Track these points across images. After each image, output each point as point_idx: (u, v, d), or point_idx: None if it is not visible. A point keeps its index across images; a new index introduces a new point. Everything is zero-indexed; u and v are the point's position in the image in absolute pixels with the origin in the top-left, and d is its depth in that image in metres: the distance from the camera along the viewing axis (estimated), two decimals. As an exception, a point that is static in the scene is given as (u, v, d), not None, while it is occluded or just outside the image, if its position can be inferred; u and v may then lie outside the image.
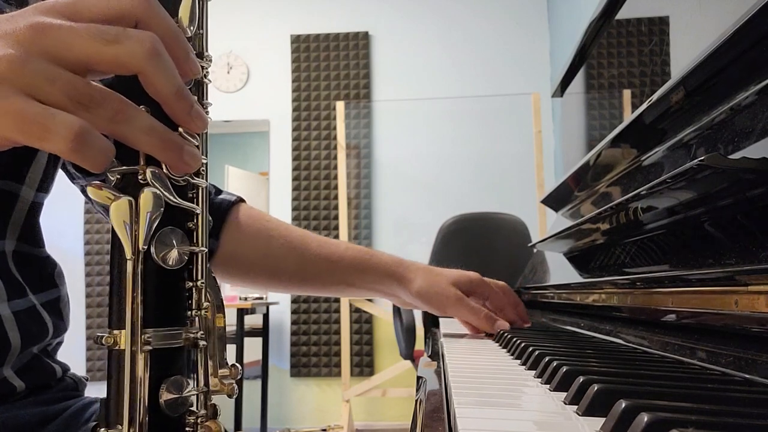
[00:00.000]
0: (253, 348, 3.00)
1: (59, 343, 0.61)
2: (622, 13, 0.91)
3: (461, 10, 3.35)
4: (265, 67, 3.44)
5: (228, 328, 2.84)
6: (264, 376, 3.01)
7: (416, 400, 0.43)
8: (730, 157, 0.40)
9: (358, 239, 3.20)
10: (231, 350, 2.77)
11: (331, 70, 3.37)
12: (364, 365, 3.12)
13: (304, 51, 3.39)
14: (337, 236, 3.09)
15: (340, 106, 2.96)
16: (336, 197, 3.11)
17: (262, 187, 3.55)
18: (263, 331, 3.03)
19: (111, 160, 0.30)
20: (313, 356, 3.19)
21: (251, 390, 3.00)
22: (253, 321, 3.03)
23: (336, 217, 3.13)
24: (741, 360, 0.38)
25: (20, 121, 0.28)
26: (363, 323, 3.15)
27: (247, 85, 3.45)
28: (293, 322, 3.21)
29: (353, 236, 3.18)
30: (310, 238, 0.77)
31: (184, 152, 0.31)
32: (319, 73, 3.37)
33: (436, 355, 0.62)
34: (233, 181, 3.74)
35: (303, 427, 3.11)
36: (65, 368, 0.60)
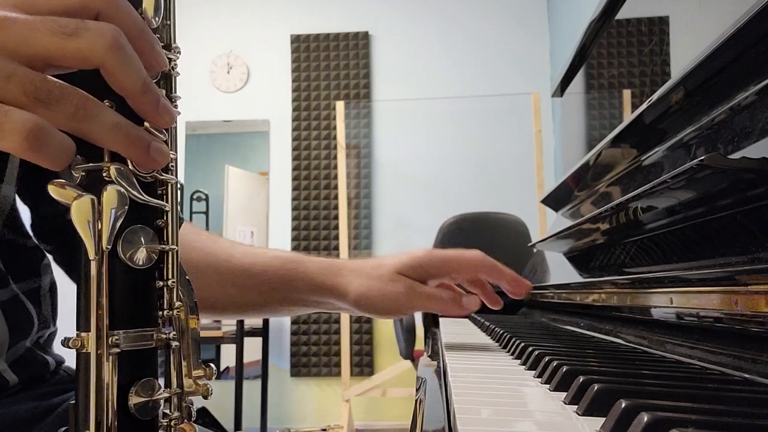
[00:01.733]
0: (253, 348, 3.00)
1: (52, 334, 0.60)
2: (622, 13, 0.91)
3: (461, 10, 3.35)
4: (265, 67, 3.44)
5: (228, 329, 2.84)
6: (264, 376, 3.01)
7: (416, 400, 0.43)
8: (730, 157, 0.40)
9: (358, 239, 3.20)
10: (231, 350, 2.77)
11: (331, 70, 3.37)
12: (364, 365, 3.12)
13: (304, 51, 3.39)
14: (336, 236, 3.09)
15: (340, 106, 2.96)
16: (336, 197, 3.11)
17: (262, 187, 3.55)
18: (263, 331, 3.03)
19: (71, 158, 0.29)
20: (313, 356, 3.19)
21: (251, 390, 3.00)
22: (252, 321, 3.03)
23: (336, 217, 3.13)
24: (741, 360, 0.38)
25: None
26: (363, 323, 3.15)
27: (247, 85, 3.45)
28: (293, 322, 3.21)
29: (353, 236, 3.18)
30: (236, 249, 0.67)
31: (150, 148, 0.30)
32: (319, 73, 3.37)
33: (436, 354, 0.62)
34: (233, 181, 3.74)
35: (303, 427, 3.11)
36: (59, 360, 0.60)
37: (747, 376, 0.36)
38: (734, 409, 0.27)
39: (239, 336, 2.74)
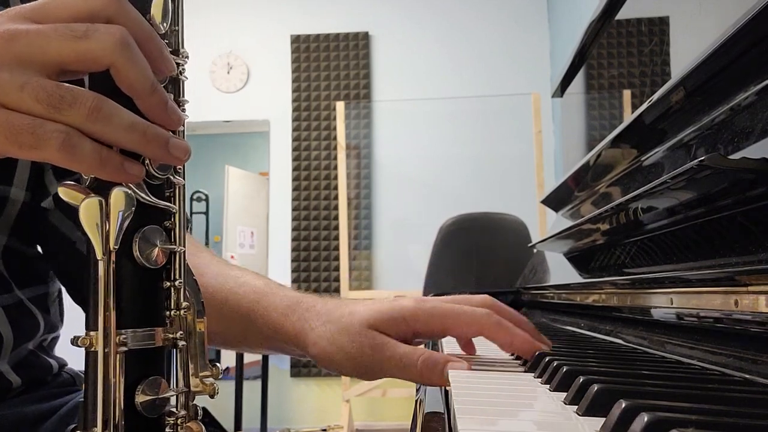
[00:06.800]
0: (253, 348, 3.00)
1: (55, 338, 0.60)
2: (622, 13, 0.91)
3: (461, 10, 3.35)
4: (265, 67, 3.44)
5: (228, 328, 2.84)
6: (264, 376, 3.01)
7: (416, 400, 0.43)
8: (730, 157, 0.40)
9: (358, 239, 3.20)
10: (231, 350, 2.76)
11: (331, 70, 3.37)
12: (364, 365, 3.11)
13: (304, 51, 3.39)
14: (336, 236, 3.09)
15: (340, 106, 2.96)
16: (336, 197, 3.11)
17: (262, 187, 3.55)
18: (263, 331, 3.04)
19: (105, 161, 0.29)
20: (313, 356, 3.19)
21: (251, 390, 2.99)
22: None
23: (336, 217, 3.13)
24: (741, 360, 0.38)
25: (10, 132, 0.28)
26: (363, 323, 3.14)
27: (247, 85, 3.45)
28: (293, 322, 3.21)
29: (353, 236, 3.18)
30: (211, 267, 0.56)
31: (170, 145, 0.30)
32: (319, 73, 3.37)
33: (436, 355, 0.62)
34: (233, 181, 3.74)
35: (303, 427, 3.11)
36: (62, 363, 0.60)
37: (747, 376, 0.36)
38: (734, 409, 0.27)
39: (239, 336, 2.74)
